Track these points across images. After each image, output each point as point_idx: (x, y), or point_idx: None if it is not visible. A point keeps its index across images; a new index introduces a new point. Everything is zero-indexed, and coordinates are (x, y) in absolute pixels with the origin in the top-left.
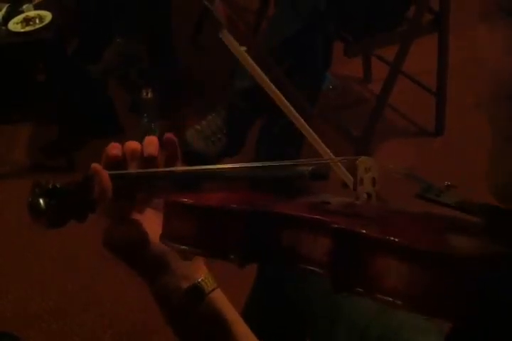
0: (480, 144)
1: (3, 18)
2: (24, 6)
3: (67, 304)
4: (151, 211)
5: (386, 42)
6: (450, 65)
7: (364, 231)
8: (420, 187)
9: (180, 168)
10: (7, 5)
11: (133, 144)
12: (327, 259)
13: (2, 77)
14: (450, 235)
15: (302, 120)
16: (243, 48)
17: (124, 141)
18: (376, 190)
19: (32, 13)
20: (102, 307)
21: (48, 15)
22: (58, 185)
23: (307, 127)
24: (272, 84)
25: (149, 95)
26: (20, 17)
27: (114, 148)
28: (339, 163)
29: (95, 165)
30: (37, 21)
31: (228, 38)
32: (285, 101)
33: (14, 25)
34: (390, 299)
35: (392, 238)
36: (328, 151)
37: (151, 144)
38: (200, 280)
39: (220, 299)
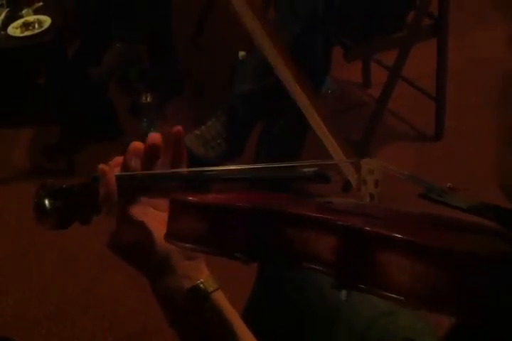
0: (480, 148)
1: (3, 22)
2: (23, 11)
3: (67, 307)
4: (154, 211)
5: (385, 47)
6: (449, 69)
7: (368, 228)
8: (423, 188)
9: (184, 169)
10: (6, 10)
11: (136, 143)
12: (331, 257)
13: (2, 80)
14: (454, 232)
15: (317, 117)
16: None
17: (125, 144)
18: (379, 191)
19: (31, 18)
20: (102, 310)
21: (47, 20)
22: (64, 186)
23: (321, 123)
24: (283, 62)
25: (149, 100)
26: (19, 22)
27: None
28: (347, 164)
29: (103, 166)
30: (36, 26)
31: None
32: (298, 87)
33: (13, 29)
34: (393, 295)
35: (396, 234)
36: (339, 150)
37: (154, 137)
38: (202, 280)
39: (221, 300)
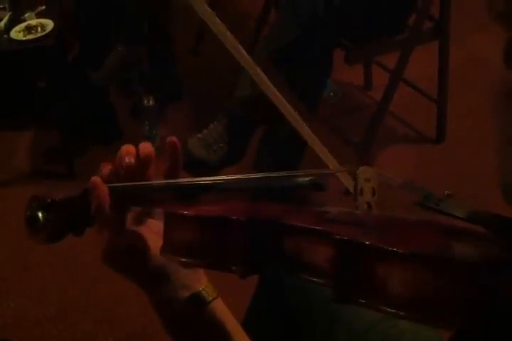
0: (481, 151)
1: (6, 26)
2: (26, 15)
3: (67, 308)
4: (151, 221)
5: (387, 50)
6: (451, 72)
7: (367, 242)
8: (420, 195)
9: (178, 179)
10: (9, 13)
11: (128, 148)
12: (329, 269)
13: (3, 83)
14: (452, 242)
15: (306, 127)
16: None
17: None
18: (375, 199)
19: (34, 22)
20: (102, 311)
21: (49, 24)
22: (57, 199)
23: (312, 134)
24: (268, 80)
25: (151, 103)
26: (22, 25)
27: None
28: (343, 172)
29: (95, 179)
30: (39, 29)
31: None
32: (288, 106)
33: (16, 33)
34: (393, 310)
35: (394, 248)
36: (333, 159)
37: (145, 147)
38: (200, 289)
39: (220, 308)
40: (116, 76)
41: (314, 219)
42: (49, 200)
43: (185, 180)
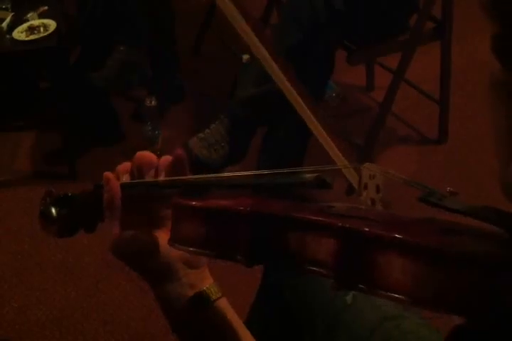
0: (483, 152)
1: (8, 26)
2: (28, 15)
3: (70, 311)
4: (161, 218)
5: (389, 51)
6: (453, 73)
7: (367, 229)
8: (423, 192)
9: (186, 177)
10: (11, 14)
11: (143, 154)
12: (332, 259)
13: (6, 84)
14: (454, 234)
15: (316, 122)
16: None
17: (126, 149)
18: (380, 197)
19: (36, 22)
20: (104, 314)
21: (52, 24)
22: (69, 194)
23: (320, 128)
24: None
25: (153, 103)
26: (24, 26)
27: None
28: (350, 168)
29: (107, 174)
30: (41, 30)
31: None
32: (297, 96)
33: (19, 33)
34: (394, 295)
35: (394, 235)
36: (340, 155)
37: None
38: (205, 288)
39: (224, 307)
40: (118, 77)
41: (318, 211)
42: (62, 195)
43: (192, 177)
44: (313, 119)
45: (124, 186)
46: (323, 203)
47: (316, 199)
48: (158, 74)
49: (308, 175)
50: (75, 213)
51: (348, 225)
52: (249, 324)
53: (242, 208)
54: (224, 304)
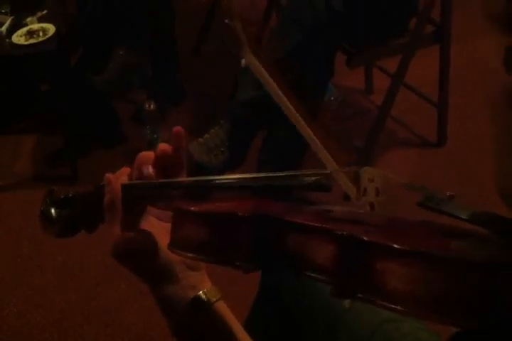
0: (482, 154)
1: (7, 30)
2: (28, 19)
3: (70, 314)
4: (157, 221)
5: (388, 54)
6: (452, 73)
7: (366, 238)
8: (422, 196)
9: (187, 178)
10: (11, 18)
11: (144, 153)
12: (330, 266)
13: (6, 88)
14: (453, 241)
15: (309, 129)
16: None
17: (128, 150)
18: (380, 200)
19: (35, 26)
20: (105, 317)
21: (51, 28)
22: (70, 195)
23: (313, 136)
24: (284, 96)
25: (152, 107)
26: (24, 30)
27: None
28: (343, 174)
29: (109, 175)
30: (40, 34)
31: (251, 58)
32: (293, 110)
33: (18, 38)
34: (392, 305)
35: (394, 243)
36: (333, 161)
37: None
38: (205, 290)
39: (223, 310)
40: (118, 80)
41: (317, 216)
42: (63, 196)
43: (191, 178)
44: (304, 124)
45: (125, 187)
46: (322, 206)
47: (315, 202)
48: (158, 75)
49: (307, 178)
50: (76, 214)
51: (345, 233)
52: (249, 324)
53: (240, 214)
54: (222, 306)
